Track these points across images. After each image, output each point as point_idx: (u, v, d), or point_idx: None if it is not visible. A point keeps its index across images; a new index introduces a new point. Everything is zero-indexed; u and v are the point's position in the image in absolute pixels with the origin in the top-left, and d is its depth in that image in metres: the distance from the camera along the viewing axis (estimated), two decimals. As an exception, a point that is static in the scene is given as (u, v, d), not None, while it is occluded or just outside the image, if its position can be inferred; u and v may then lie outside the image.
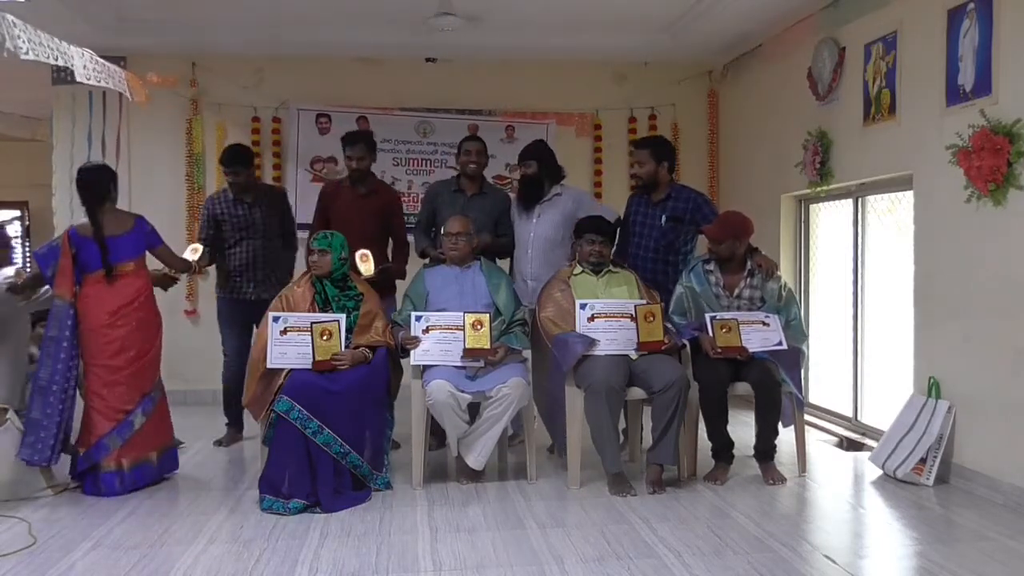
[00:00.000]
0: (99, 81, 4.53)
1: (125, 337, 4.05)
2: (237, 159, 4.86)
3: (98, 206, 4.11)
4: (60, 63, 4.08)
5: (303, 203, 5.96)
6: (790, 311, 4.30)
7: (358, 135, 4.93)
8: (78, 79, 4.42)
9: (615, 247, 4.58)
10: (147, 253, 4.25)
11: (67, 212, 6.38)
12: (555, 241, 4.69)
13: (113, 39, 5.79)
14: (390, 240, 4.94)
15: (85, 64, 4.36)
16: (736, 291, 4.29)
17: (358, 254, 4.40)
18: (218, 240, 4.94)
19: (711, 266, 4.33)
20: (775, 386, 4.07)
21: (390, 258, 4.87)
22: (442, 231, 4.44)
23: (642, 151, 4.64)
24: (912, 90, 4.43)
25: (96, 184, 4.15)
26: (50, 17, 4.84)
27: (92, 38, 5.20)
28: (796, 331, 4.27)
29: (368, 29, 6.01)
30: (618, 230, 4.66)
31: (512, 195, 5.07)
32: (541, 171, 4.72)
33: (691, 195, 4.63)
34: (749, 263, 4.30)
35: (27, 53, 3.97)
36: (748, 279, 4.29)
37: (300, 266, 4.86)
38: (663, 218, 4.56)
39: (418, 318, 4.14)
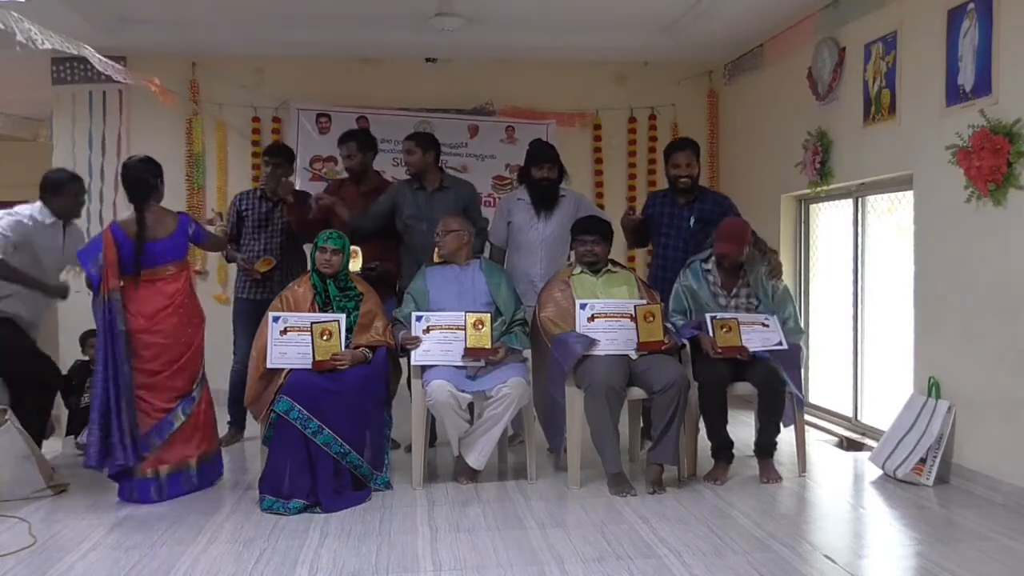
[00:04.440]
0: (109, 72, 4.61)
1: (161, 342, 3.91)
2: (283, 151, 4.99)
3: (143, 204, 3.96)
4: (74, 51, 4.14)
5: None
6: (785, 308, 4.30)
7: (349, 134, 4.95)
8: (97, 67, 4.52)
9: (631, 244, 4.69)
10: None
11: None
12: (564, 240, 4.70)
13: (113, 39, 5.79)
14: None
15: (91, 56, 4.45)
16: (734, 290, 4.31)
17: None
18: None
19: (709, 265, 4.34)
20: (780, 386, 4.08)
21: (388, 256, 4.87)
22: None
23: (689, 153, 4.57)
24: (912, 90, 4.43)
25: (139, 181, 3.99)
26: (50, 17, 4.84)
27: (92, 38, 5.21)
28: (793, 330, 4.27)
29: (368, 29, 6.01)
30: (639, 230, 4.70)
31: (505, 191, 5.07)
32: (558, 175, 4.73)
33: (717, 198, 4.69)
34: (744, 267, 4.32)
35: (43, 43, 4.02)
36: (744, 277, 4.31)
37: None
38: (691, 220, 4.56)
39: (419, 318, 4.14)
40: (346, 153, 4.85)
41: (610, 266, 4.39)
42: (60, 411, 5.51)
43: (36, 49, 4.18)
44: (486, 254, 4.81)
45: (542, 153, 4.76)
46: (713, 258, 4.33)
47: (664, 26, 6.11)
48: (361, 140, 4.89)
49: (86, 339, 5.28)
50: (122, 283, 3.90)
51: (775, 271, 4.32)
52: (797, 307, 4.79)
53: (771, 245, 4.60)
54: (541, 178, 4.70)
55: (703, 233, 4.51)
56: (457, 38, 5.94)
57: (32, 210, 4.27)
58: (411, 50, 6.40)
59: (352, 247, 4.37)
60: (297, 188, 5.74)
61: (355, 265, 4.43)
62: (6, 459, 3.91)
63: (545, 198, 4.71)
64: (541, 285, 4.58)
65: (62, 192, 4.32)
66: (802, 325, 4.44)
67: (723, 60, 6.68)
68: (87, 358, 5.40)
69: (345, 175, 5.11)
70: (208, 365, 4.20)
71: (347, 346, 4.01)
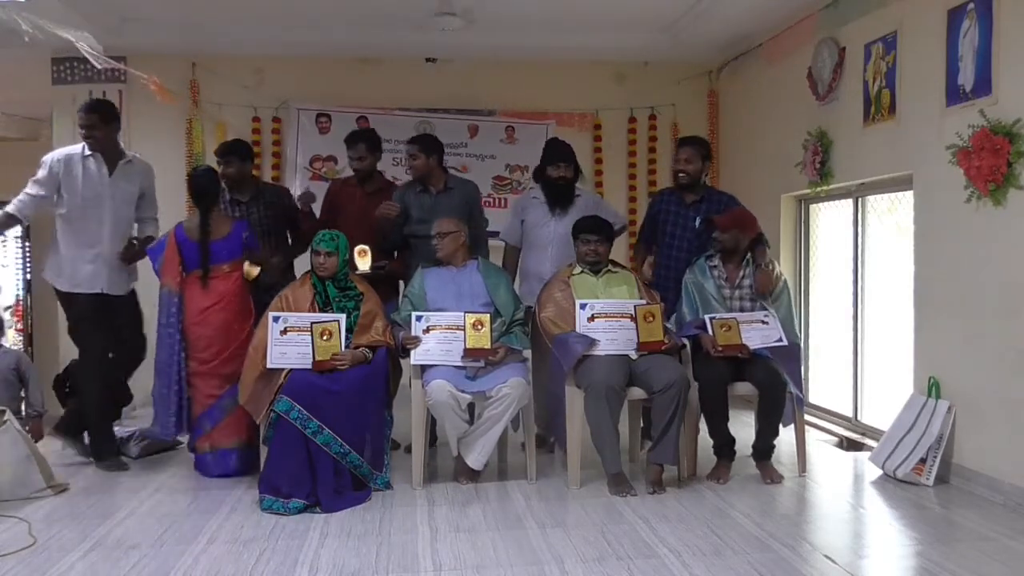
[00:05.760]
0: (105, 64, 4.70)
1: (210, 335, 4.24)
2: (231, 149, 4.81)
3: (208, 209, 4.32)
4: (80, 44, 4.25)
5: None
6: (780, 307, 4.30)
7: (358, 135, 4.89)
8: (95, 64, 4.70)
9: (641, 241, 4.75)
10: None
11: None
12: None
13: (113, 39, 5.77)
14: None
15: (90, 50, 4.52)
16: (737, 281, 4.33)
17: (356, 249, 4.39)
18: None
19: (715, 261, 4.37)
20: (780, 387, 4.08)
21: (397, 256, 4.87)
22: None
23: (691, 148, 4.60)
24: (912, 90, 4.43)
25: (206, 188, 4.36)
26: (50, 17, 4.84)
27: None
28: (786, 321, 4.27)
29: (368, 29, 6.02)
30: (634, 231, 4.68)
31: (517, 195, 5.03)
32: (574, 174, 4.73)
33: (723, 198, 4.67)
34: (748, 255, 4.35)
35: (52, 31, 4.09)
36: (747, 269, 4.35)
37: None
38: (697, 220, 4.56)
39: (419, 318, 4.14)
40: (357, 155, 4.78)
41: (610, 266, 4.40)
42: (59, 411, 5.52)
43: (45, 41, 4.24)
44: (492, 255, 4.80)
45: (558, 152, 4.73)
46: (717, 254, 4.36)
47: (664, 26, 6.11)
48: (371, 141, 4.84)
49: None
50: (181, 279, 4.26)
51: (763, 290, 4.31)
52: (795, 307, 4.79)
53: (771, 245, 4.61)
54: (557, 177, 4.68)
55: (708, 234, 4.51)
56: (457, 38, 5.93)
57: (72, 147, 4.55)
58: (411, 50, 6.40)
59: (362, 246, 4.39)
60: (294, 188, 5.72)
61: (365, 264, 4.42)
62: (6, 459, 3.91)
63: (561, 197, 4.70)
64: None
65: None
66: (798, 331, 4.44)
67: (723, 60, 6.68)
68: None
69: (345, 174, 5.09)
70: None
71: (347, 346, 4.01)
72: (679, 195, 4.65)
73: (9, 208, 4.38)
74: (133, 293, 4.67)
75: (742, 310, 4.29)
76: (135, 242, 4.53)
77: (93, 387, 4.49)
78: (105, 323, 4.49)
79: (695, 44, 6.31)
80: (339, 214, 4.78)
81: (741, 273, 4.34)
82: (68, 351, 5.72)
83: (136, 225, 4.69)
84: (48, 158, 4.47)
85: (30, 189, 4.40)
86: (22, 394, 5.52)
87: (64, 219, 4.42)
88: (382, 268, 4.61)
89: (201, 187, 4.36)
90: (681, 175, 4.58)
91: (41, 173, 4.41)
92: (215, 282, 4.28)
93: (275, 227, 4.84)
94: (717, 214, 4.44)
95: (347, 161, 4.93)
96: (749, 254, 4.36)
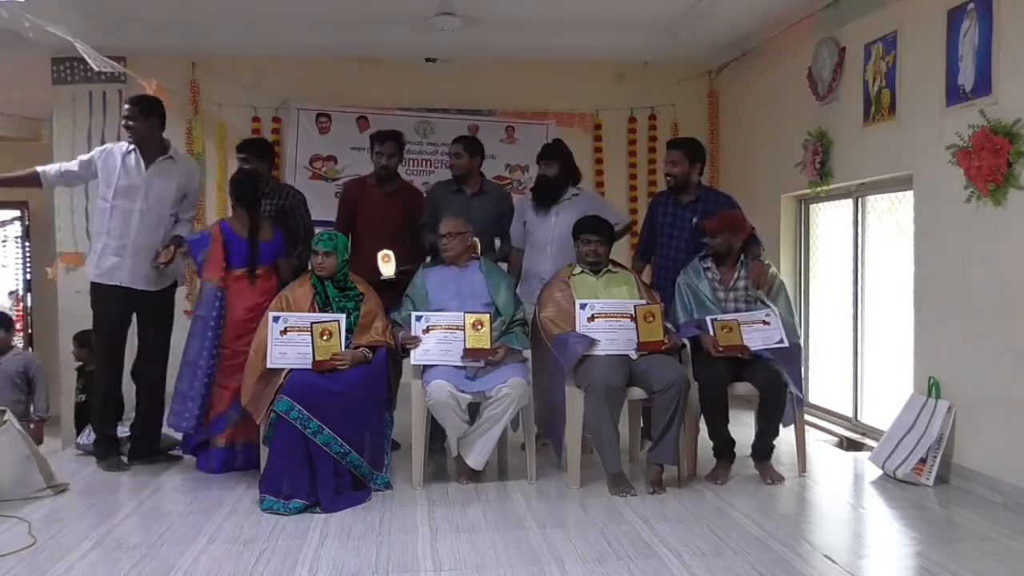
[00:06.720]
0: (106, 67, 4.84)
1: (254, 330, 4.20)
2: (249, 146, 4.87)
3: (256, 209, 4.42)
4: (78, 44, 4.37)
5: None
6: (779, 308, 4.30)
7: (388, 134, 4.85)
8: (94, 67, 4.79)
9: (640, 248, 4.81)
10: None
11: (68, 212, 6.39)
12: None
13: (113, 39, 5.79)
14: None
15: (89, 53, 4.57)
16: (731, 283, 4.33)
17: (380, 254, 4.41)
18: None
19: (708, 263, 4.37)
20: (781, 388, 4.08)
21: (415, 260, 4.85)
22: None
23: (677, 151, 4.62)
24: (912, 90, 4.43)
25: (252, 189, 4.42)
26: (50, 17, 4.85)
27: (92, 38, 5.21)
28: (787, 323, 4.27)
29: (368, 29, 6.02)
30: (636, 230, 4.69)
31: (521, 195, 5.03)
32: (561, 172, 4.73)
33: (720, 198, 4.68)
34: (742, 256, 4.35)
35: (53, 29, 4.12)
36: (741, 270, 4.35)
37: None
38: (693, 220, 4.56)
39: (418, 318, 4.14)
40: (388, 151, 4.75)
41: (610, 266, 4.40)
42: (59, 412, 5.53)
43: (45, 41, 4.27)
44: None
45: (544, 150, 4.78)
46: (710, 257, 4.36)
47: (664, 26, 6.11)
48: (399, 141, 4.83)
49: (83, 340, 5.28)
50: (225, 274, 4.28)
51: (758, 282, 4.32)
52: (795, 307, 4.80)
53: (771, 245, 4.61)
54: (540, 175, 4.71)
55: (704, 234, 4.52)
56: (457, 38, 5.94)
57: (122, 142, 4.60)
58: (411, 50, 6.40)
59: (385, 251, 4.41)
60: (295, 187, 5.67)
61: (389, 269, 4.42)
62: (6, 459, 3.91)
63: (543, 195, 4.71)
64: None
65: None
66: (799, 329, 4.44)
67: (723, 60, 6.68)
68: (80, 361, 5.41)
69: (345, 175, 5.07)
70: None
71: (347, 346, 4.01)
72: (675, 197, 4.67)
73: (38, 167, 4.48)
74: (170, 294, 4.62)
75: (736, 311, 4.29)
76: (172, 248, 4.44)
77: (99, 387, 4.51)
78: (127, 324, 4.49)
79: (695, 44, 6.31)
80: (357, 214, 4.77)
81: (735, 275, 4.33)
82: (68, 351, 5.73)
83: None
84: (98, 147, 4.65)
85: (69, 162, 4.54)
86: (27, 397, 5.54)
87: (100, 208, 4.49)
88: (405, 273, 4.59)
89: (243, 188, 4.40)
90: (668, 178, 4.64)
91: (85, 155, 4.55)
92: (261, 279, 4.35)
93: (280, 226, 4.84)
94: (712, 215, 4.45)
95: (358, 160, 4.88)
96: (743, 256, 4.36)
